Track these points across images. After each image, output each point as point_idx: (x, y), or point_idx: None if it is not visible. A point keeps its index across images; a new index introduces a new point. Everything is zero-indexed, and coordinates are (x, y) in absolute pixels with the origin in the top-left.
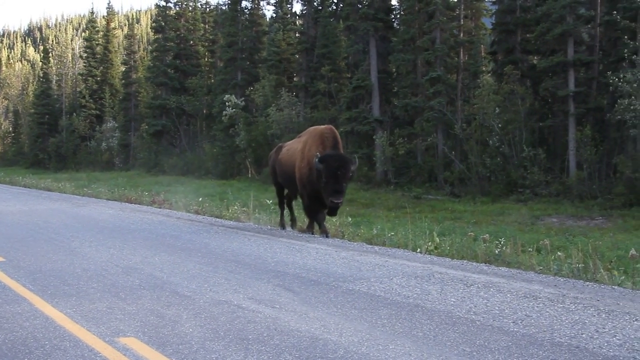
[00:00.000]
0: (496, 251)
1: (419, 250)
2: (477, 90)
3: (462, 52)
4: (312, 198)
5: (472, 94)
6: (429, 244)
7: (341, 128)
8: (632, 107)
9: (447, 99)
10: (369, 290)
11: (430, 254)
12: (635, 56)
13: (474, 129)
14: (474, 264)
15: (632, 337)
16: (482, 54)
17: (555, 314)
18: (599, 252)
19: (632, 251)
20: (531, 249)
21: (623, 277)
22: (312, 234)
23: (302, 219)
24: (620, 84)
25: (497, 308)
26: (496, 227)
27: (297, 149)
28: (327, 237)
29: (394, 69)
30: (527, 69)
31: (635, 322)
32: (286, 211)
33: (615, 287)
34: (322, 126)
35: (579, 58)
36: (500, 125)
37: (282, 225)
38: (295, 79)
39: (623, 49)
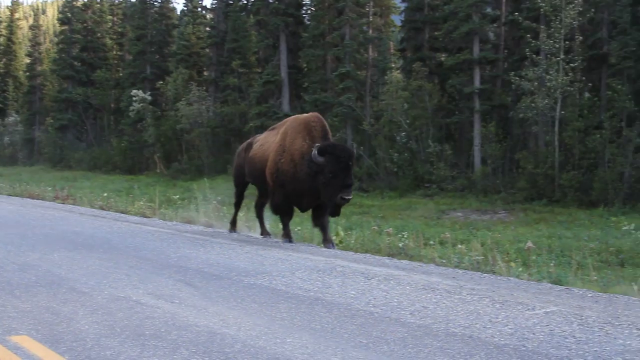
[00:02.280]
0: (400, 245)
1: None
2: (385, 86)
3: (371, 49)
4: (288, 198)
5: (380, 90)
6: (334, 238)
7: (250, 123)
8: (533, 105)
9: (356, 95)
10: (270, 285)
11: (290, 242)
12: (537, 55)
13: (382, 125)
14: (377, 257)
15: (524, 326)
16: (391, 50)
17: (451, 305)
18: (500, 245)
19: (529, 243)
20: (434, 243)
21: (521, 269)
22: (290, 240)
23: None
24: (522, 82)
25: (395, 300)
26: (403, 221)
27: (273, 142)
28: (290, 242)
29: (304, 65)
30: (434, 66)
31: (527, 312)
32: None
33: (512, 278)
34: (306, 114)
35: (485, 56)
36: (408, 121)
37: (234, 225)
38: (205, 73)
39: (525, 48)
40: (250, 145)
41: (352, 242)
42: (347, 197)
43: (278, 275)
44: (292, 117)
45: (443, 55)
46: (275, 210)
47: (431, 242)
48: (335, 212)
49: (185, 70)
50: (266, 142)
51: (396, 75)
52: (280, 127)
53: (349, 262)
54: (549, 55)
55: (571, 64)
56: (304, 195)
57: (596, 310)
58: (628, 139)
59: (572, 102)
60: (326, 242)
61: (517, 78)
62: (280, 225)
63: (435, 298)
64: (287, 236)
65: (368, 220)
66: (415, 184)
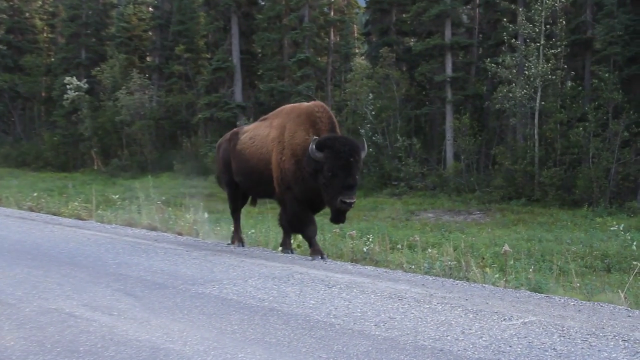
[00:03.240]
0: (364, 249)
1: (279, 249)
2: (349, 74)
3: (332, 32)
4: (303, 203)
5: (343, 78)
6: (292, 242)
7: (199, 115)
8: (511, 95)
9: (317, 84)
10: (220, 294)
11: (292, 253)
12: (515, 40)
13: (345, 117)
14: (339, 263)
15: (499, 337)
16: (355, 34)
17: (420, 315)
18: (474, 249)
19: (506, 247)
20: (402, 247)
21: (497, 275)
22: (292, 251)
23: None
24: (499, 69)
25: (359, 310)
26: (368, 223)
27: (268, 136)
28: (323, 259)
29: (259, 50)
30: (402, 51)
31: (503, 322)
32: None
33: (487, 285)
34: (306, 103)
35: (457, 41)
36: (373, 113)
37: (240, 240)
38: (147, 59)
39: (502, 32)
40: (236, 136)
41: None
42: (347, 201)
43: (229, 284)
44: (288, 106)
45: (412, 40)
46: (294, 225)
47: (399, 246)
48: (337, 219)
49: (125, 56)
50: (257, 135)
51: (360, 62)
52: (274, 118)
53: (308, 268)
54: (528, 41)
55: (552, 50)
56: (314, 197)
57: (579, 320)
58: (614, 132)
59: (554, 91)
60: (286, 246)
61: (493, 65)
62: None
63: (403, 308)
64: (317, 252)
65: (328, 221)
66: (382, 182)
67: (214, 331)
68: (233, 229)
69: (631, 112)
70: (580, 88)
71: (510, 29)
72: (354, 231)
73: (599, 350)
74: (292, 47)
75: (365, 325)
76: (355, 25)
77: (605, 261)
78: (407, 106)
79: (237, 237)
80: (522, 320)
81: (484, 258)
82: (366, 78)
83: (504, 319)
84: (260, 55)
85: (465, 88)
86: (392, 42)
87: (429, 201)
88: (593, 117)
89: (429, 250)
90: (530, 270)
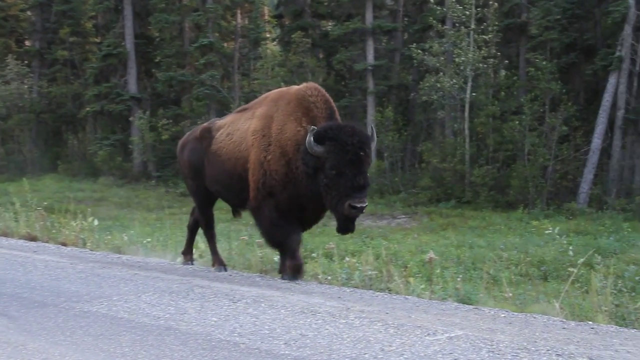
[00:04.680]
0: (274, 258)
1: (179, 259)
2: (258, 61)
3: (240, 15)
4: (286, 209)
5: (252, 66)
6: (194, 251)
7: (87, 107)
8: (439, 85)
9: (222, 72)
10: (109, 312)
11: (192, 264)
12: (443, 24)
13: None
14: (246, 274)
15: (422, 354)
16: (265, 17)
17: (335, 331)
18: (398, 257)
19: (431, 254)
20: (317, 255)
21: (423, 286)
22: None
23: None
24: (426, 57)
25: (267, 327)
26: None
27: (249, 130)
28: (296, 278)
29: (156, 34)
30: (319, 37)
31: (427, 337)
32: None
33: (410, 297)
34: (296, 87)
35: (380, 25)
36: None
37: (221, 262)
38: (26, 43)
39: (429, 15)
40: (208, 133)
41: None
42: (358, 205)
43: (120, 300)
44: (274, 92)
45: (329, 23)
46: (273, 237)
47: (314, 255)
48: (345, 228)
49: None
50: (236, 131)
51: (272, 47)
52: (257, 106)
53: (210, 281)
54: (457, 25)
55: (484, 36)
56: (306, 205)
57: (509, 333)
58: (552, 126)
59: (486, 81)
60: (292, 268)
61: (419, 52)
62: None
63: (316, 323)
64: (298, 269)
65: (238, 228)
66: None
67: (102, 354)
68: (210, 249)
69: (570, 104)
70: (515, 78)
71: (438, 12)
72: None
73: None
74: (193, 31)
75: (273, 344)
76: (265, 7)
77: (542, 268)
78: None
79: (216, 260)
80: (447, 334)
81: (407, 267)
82: (278, 66)
83: (428, 334)
84: (157, 40)
85: (389, 77)
86: (307, 26)
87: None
88: (529, 109)
89: (347, 259)
90: (459, 279)
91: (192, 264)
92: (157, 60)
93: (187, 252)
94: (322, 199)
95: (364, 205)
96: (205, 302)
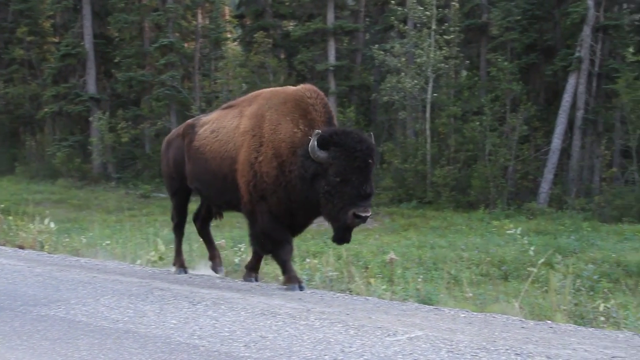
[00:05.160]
0: (235, 260)
1: (138, 262)
2: (219, 62)
3: (200, 14)
4: (278, 218)
5: (213, 67)
6: (152, 254)
7: (45, 108)
8: (400, 86)
9: (183, 72)
10: (67, 315)
11: (152, 267)
12: (404, 25)
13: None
14: (206, 276)
15: (382, 355)
16: (226, 17)
17: (296, 333)
18: (359, 258)
19: (392, 254)
20: None
21: (384, 287)
22: (256, 279)
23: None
24: (387, 57)
25: (227, 329)
26: (241, 230)
27: (238, 128)
28: (301, 288)
29: (115, 34)
30: (280, 37)
31: (387, 338)
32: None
33: (371, 298)
34: (293, 87)
35: (341, 25)
36: None
37: (182, 265)
38: None
39: (391, 15)
40: (192, 129)
41: None
42: (363, 215)
43: (78, 304)
44: (267, 90)
45: (290, 23)
46: (263, 242)
47: None
48: (343, 237)
49: None
50: (222, 128)
51: (233, 48)
52: (246, 104)
53: (170, 283)
54: (418, 25)
55: (445, 36)
56: (296, 210)
57: (469, 333)
58: (512, 126)
59: (447, 82)
60: (289, 280)
61: (381, 53)
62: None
63: (277, 325)
64: (293, 280)
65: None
66: None
67: (59, 359)
68: (175, 249)
69: (530, 104)
70: (476, 78)
71: (399, 13)
72: (223, 240)
73: None
74: (153, 30)
75: (233, 346)
76: (226, 7)
77: (503, 268)
78: None
79: (178, 261)
80: (408, 335)
81: (368, 268)
82: (239, 66)
83: (388, 335)
84: (116, 40)
85: (350, 78)
86: (268, 26)
87: None
88: (489, 110)
89: (308, 260)
90: (420, 280)
91: (222, 270)
92: (116, 61)
93: (213, 257)
94: (318, 206)
95: (369, 214)
96: (164, 305)
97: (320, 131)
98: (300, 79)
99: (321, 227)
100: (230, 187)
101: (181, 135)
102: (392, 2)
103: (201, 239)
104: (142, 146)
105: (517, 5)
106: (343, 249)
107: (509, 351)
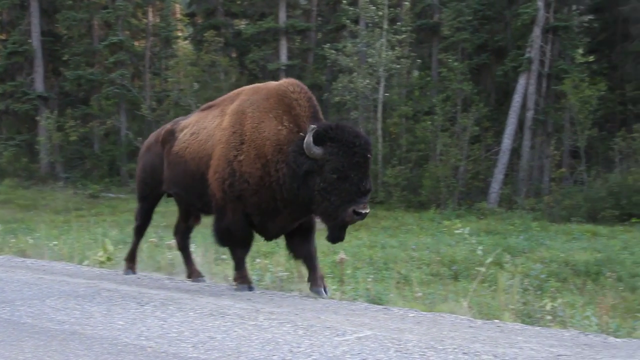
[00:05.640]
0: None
1: (86, 263)
2: (170, 60)
3: (151, 12)
4: (246, 218)
5: (164, 66)
6: (100, 254)
7: None
8: (352, 85)
9: (133, 71)
10: (11, 317)
11: (100, 267)
12: (356, 24)
13: (166, 109)
14: (155, 277)
15: (331, 355)
16: (177, 15)
17: (244, 333)
18: None
19: (342, 254)
20: (227, 257)
21: (335, 287)
22: (250, 287)
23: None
24: (339, 57)
25: (175, 330)
26: (196, 231)
27: (217, 128)
28: (250, 289)
29: (64, 31)
30: (231, 35)
31: (336, 338)
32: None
33: (321, 298)
34: (275, 82)
35: (293, 24)
36: (199, 105)
37: (131, 261)
38: None
39: (343, 15)
40: (171, 134)
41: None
42: (363, 211)
43: (23, 305)
44: (249, 87)
45: (242, 22)
46: (224, 237)
47: (224, 257)
48: (339, 236)
49: None
50: (202, 129)
51: (184, 46)
52: (227, 103)
53: (117, 284)
54: (370, 25)
55: (397, 36)
56: (277, 213)
57: (417, 332)
58: (463, 126)
59: (399, 82)
60: (317, 283)
61: (333, 52)
62: (230, 264)
63: (225, 325)
64: (244, 280)
65: (148, 230)
66: None
67: None
68: (130, 249)
69: (481, 104)
70: (428, 78)
71: (351, 12)
72: (172, 240)
73: None
74: (103, 28)
75: (181, 347)
76: (177, 5)
77: (453, 268)
78: None
79: (130, 264)
80: (356, 335)
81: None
82: (190, 65)
83: (337, 335)
84: (65, 37)
85: (302, 77)
86: (220, 25)
87: None
88: (441, 110)
89: (259, 260)
90: (370, 280)
91: (204, 280)
92: (65, 59)
93: (192, 272)
94: (308, 204)
95: (368, 211)
96: (112, 306)
97: (315, 126)
98: (252, 78)
99: None
100: (209, 187)
101: (160, 143)
102: (344, 1)
103: (180, 253)
104: (91, 145)
105: (468, 6)
106: None
107: (456, 350)
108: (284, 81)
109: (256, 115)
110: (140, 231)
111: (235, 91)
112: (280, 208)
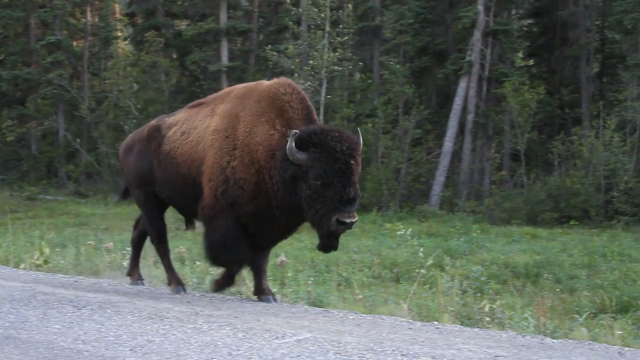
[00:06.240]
0: (124, 264)
1: (22, 266)
2: (109, 61)
3: (89, 12)
4: (250, 222)
5: (103, 66)
6: (37, 257)
7: None
8: None
9: (71, 71)
10: None
11: (37, 271)
12: (298, 26)
13: (105, 110)
14: (94, 280)
15: (270, 358)
16: (117, 15)
17: (183, 336)
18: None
19: (282, 257)
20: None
21: (276, 289)
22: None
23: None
24: (281, 58)
25: (112, 334)
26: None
27: (209, 128)
28: (274, 300)
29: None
30: (172, 36)
31: (275, 341)
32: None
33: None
34: (267, 82)
35: (234, 26)
36: (139, 106)
37: (178, 281)
38: None
39: (285, 16)
40: (158, 132)
41: (63, 261)
42: (347, 221)
43: None
44: (240, 86)
45: (183, 23)
46: (220, 253)
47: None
48: (329, 245)
49: None
50: (193, 129)
51: (123, 47)
52: (217, 102)
53: (54, 287)
54: (312, 27)
55: (339, 38)
56: (273, 221)
57: (357, 335)
58: (405, 129)
59: (341, 84)
60: (262, 292)
61: (274, 54)
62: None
63: (164, 329)
64: (265, 292)
65: (87, 233)
66: None
67: None
68: (164, 265)
69: (422, 107)
70: (369, 80)
71: (293, 14)
72: (111, 243)
73: None
74: (40, 28)
75: (119, 350)
76: (116, 5)
77: (394, 270)
78: (178, 99)
79: (173, 278)
80: (296, 337)
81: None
82: (130, 66)
83: (277, 337)
84: (1, 36)
85: (244, 79)
86: (160, 25)
87: None
88: (382, 112)
89: (199, 262)
90: (310, 282)
91: (143, 284)
92: (0, 58)
93: (134, 272)
94: (298, 214)
95: (354, 220)
96: (48, 310)
97: (297, 131)
98: (193, 79)
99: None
100: (201, 192)
101: (145, 139)
102: (287, 3)
103: (131, 246)
104: (28, 146)
105: (409, 9)
106: None
107: (395, 352)
108: (275, 81)
109: (248, 120)
110: (162, 242)
111: (226, 90)
112: (277, 216)
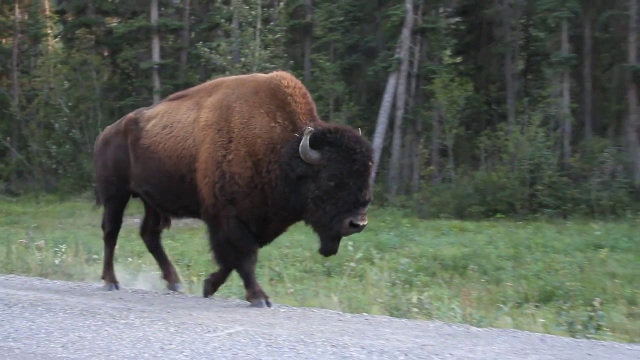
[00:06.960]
0: (56, 261)
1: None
2: (39, 58)
3: (18, 9)
4: (246, 222)
5: (33, 64)
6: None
7: None
8: None
9: (0, 69)
10: None
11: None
12: (230, 23)
13: (36, 108)
14: (25, 278)
15: (202, 351)
16: (46, 12)
17: (115, 332)
18: (184, 257)
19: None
20: (99, 257)
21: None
22: (268, 301)
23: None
24: (213, 56)
25: (44, 331)
26: (64, 231)
27: (196, 121)
28: (268, 304)
29: None
30: (103, 34)
31: (207, 335)
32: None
33: (192, 295)
34: (266, 75)
35: (165, 23)
36: (70, 104)
37: (113, 279)
38: None
39: (216, 14)
40: (135, 125)
41: None
42: (361, 224)
43: None
44: (231, 78)
45: (114, 20)
46: (226, 253)
47: (95, 257)
48: (332, 248)
49: None
50: (176, 122)
51: (53, 44)
52: (204, 94)
53: None
54: (244, 25)
55: (271, 36)
56: (272, 215)
57: (288, 327)
58: None
59: None
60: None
61: (206, 51)
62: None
63: (96, 325)
64: (258, 295)
65: (18, 231)
66: (81, 185)
67: None
68: (104, 260)
69: (352, 104)
70: (301, 78)
71: (225, 11)
72: (42, 241)
73: (306, 358)
74: None
75: (50, 347)
76: (46, 1)
77: (326, 264)
78: (110, 97)
79: (108, 275)
80: (227, 331)
81: (189, 266)
82: (60, 64)
83: (209, 331)
84: None
85: (176, 76)
86: (91, 23)
87: (135, 205)
88: None
89: (130, 259)
90: None
91: (180, 287)
92: None
93: (169, 272)
94: (299, 211)
95: (366, 222)
96: None
97: (312, 128)
98: (125, 77)
99: None
100: (189, 190)
101: (122, 132)
102: (218, 0)
103: (152, 255)
104: None
105: (339, 7)
106: (167, 248)
107: (325, 343)
108: (276, 74)
109: (245, 110)
110: (111, 238)
111: (213, 82)
112: (271, 214)
